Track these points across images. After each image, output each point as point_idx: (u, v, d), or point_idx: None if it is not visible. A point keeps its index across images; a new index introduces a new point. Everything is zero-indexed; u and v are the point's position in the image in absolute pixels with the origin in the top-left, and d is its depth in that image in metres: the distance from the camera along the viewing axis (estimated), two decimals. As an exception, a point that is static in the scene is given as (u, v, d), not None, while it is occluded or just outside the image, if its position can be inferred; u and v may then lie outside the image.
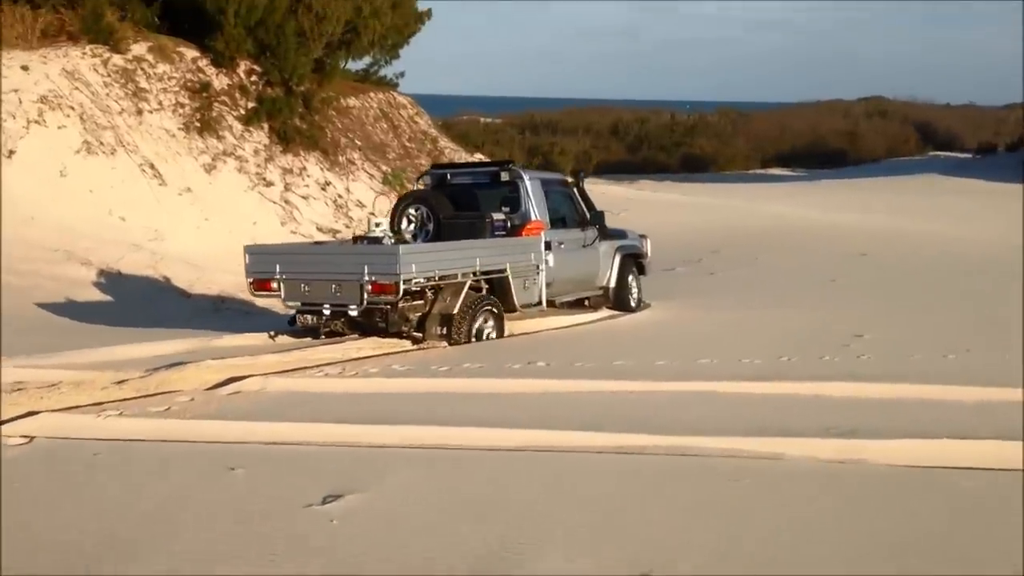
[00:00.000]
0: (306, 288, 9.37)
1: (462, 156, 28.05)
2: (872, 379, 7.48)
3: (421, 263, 9.04)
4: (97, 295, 15.00)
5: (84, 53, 20.34)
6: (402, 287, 8.77)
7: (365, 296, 8.85)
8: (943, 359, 8.27)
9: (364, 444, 5.51)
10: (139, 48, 21.18)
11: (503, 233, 10.56)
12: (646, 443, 5.74)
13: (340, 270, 9.14)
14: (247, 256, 9.74)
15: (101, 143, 19.18)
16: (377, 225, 9.91)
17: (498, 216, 10.57)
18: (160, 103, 20.68)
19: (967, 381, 7.24)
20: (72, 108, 19.25)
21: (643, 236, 12.93)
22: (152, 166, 19.60)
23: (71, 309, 12.36)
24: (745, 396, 7.06)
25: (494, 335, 9.90)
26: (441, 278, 9.35)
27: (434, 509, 4.50)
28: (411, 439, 5.61)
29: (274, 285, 9.47)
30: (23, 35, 20.05)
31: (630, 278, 12.18)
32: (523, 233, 10.62)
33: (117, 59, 20.65)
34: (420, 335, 9.43)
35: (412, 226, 10.76)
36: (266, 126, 21.62)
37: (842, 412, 6.66)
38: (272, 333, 9.90)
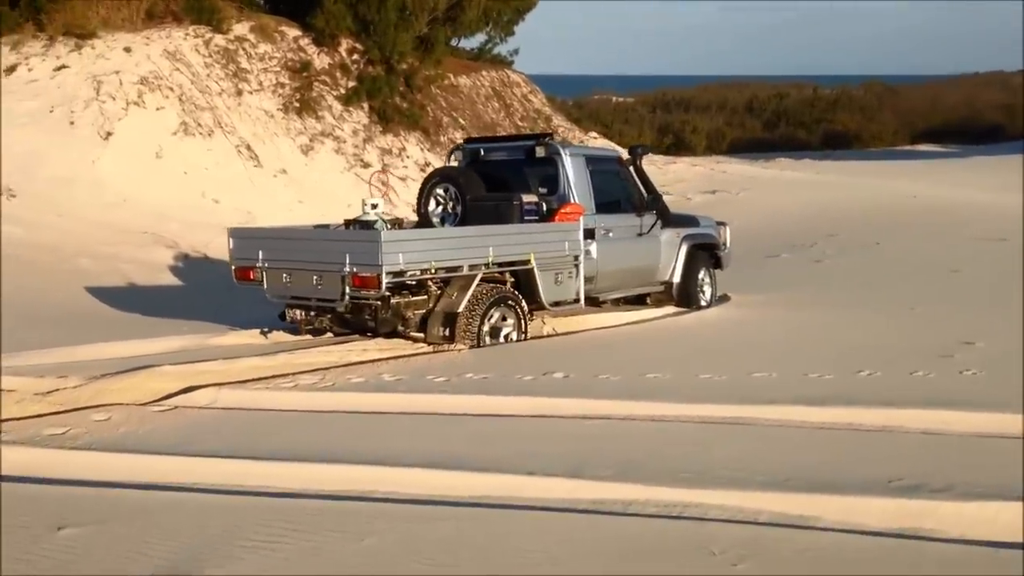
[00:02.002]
0: (288, 279, 8.13)
1: (576, 135, 26.61)
2: (967, 406, 5.78)
3: (412, 253, 7.66)
4: (170, 280, 14.41)
5: (187, 34, 19.95)
6: (385, 280, 7.40)
7: (347, 289, 7.59)
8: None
9: (264, 490, 4.33)
10: (241, 28, 20.66)
11: (535, 218, 9.05)
12: (630, 496, 4.35)
13: (321, 259, 7.83)
14: (231, 240, 8.62)
15: (199, 124, 18.73)
16: (374, 207, 8.63)
17: (529, 198, 9.03)
18: (260, 83, 20.12)
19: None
20: (171, 89, 18.86)
21: (721, 223, 11.18)
22: (248, 147, 19.05)
23: (122, 296, 11.69)
24: (793, 426, 5.53)
25: (514, 336, 8.46)
26: (443, 270, 8.00)
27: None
28: (330, 483, 4.39)
29: (255, 274, 8.28)
30: (128, 17, 19.82)
31: (701, 273, 10.46)
32: (557, 218, 9.10)
33: (219, 39, 20.18)
34: (422, 336, 8.12)
35: (440, 208, 9.39)
36: (366, 105, 20.79)
37: (916, 454, 5.07)
38: (265, 330, 8.79)
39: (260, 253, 8.30)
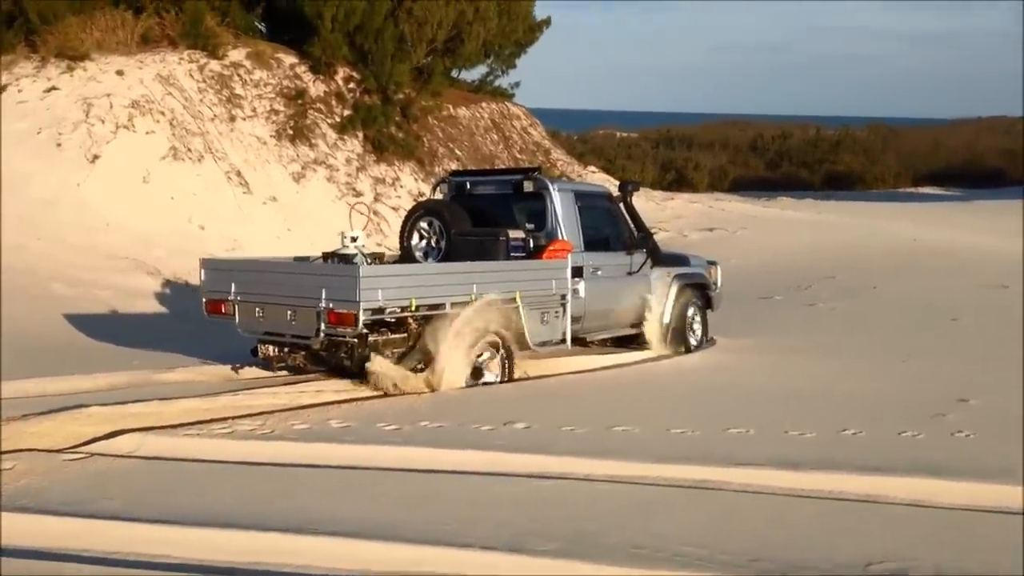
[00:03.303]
0: (260, 313, 7.66)
1: (574, 168, 26.21)
2: (959, 474, 5.23)
3: (391, 289, 7.19)
4: (150, 307, 13.92)
5: (181, 58, 19.60)
6: (362, 317, 6.94)
7: (322, 326, 7.11)
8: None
9: (159, 560, 3.79)
10: (237, 54, 20.31)
11: (522, 255, 8.60)
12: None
13: (296, 293, 7.36)
14: (202, 271, 8.16)
15: (189, 149, 18.33)
16: (353, 239, 8.17)
17: (516, 234, 8.61)
18: (254, 110, 19.73)
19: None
20: (163, 113, 18.48)
21: (712, 263, 10.69)
22: (239, 173, 18.63)
23: (94, 324, 11.20)
24: (766, 492, 4.99)
25: (497, 377, 7.95)
26: (425, 308, 7.51)
27: None
28: (237, 552, 3.85)
29: (227, 308, 7.80)
30: (123, 40, 19.49)
31: (690, 312, 9.99)
32: (545, 255, 8.63)
33: (214, 64, 19.82)
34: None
35: (424, 242, 8.94)
36: (361, 134, 20.39)
37: (900, 530, 4.52)
38: (236, 366, 8.30)
39: (232, 285, 7.85)
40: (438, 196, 9.74)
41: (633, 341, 9.73)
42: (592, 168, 27.82)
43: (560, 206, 8.87)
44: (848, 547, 4.26)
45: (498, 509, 4.55)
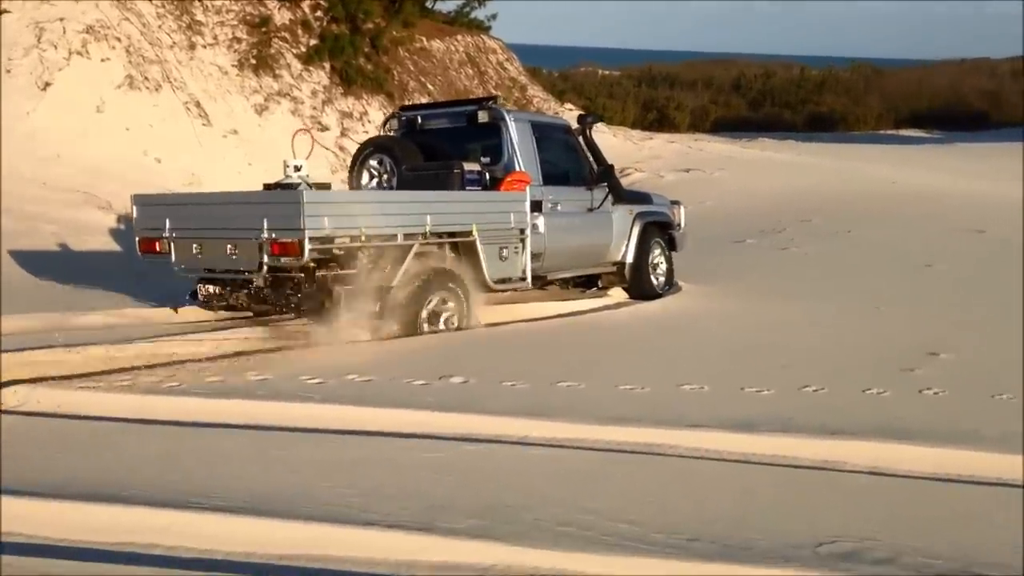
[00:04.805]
0: (198, 250, 7.09)
1: (551, 106, 25.46)
2: (923, 439, 4.77)
3: (339, 216, 6.63)
4: (103, 244, 13.29)
5: (140, -18, 18.64)
6: (308, 246, 6.38)
7: (265, 259, 6.54)
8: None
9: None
10: (198, -22, 19.37)
11: (478, 188, 8.03)
12: (487, 558, 3.33)
13: (236, 225, 6.76)
14: (134, 208, 7.55)
15: (146, 78, 17.48)
16: (296, 169, 7.56)
17: (471, 167, 8.03)
18: (215, 37, 18.86)
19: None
20: (119, 40, 17.58)
21: (676, 202, 10.13)
22: (198, 104, 17.83)
23: (43, 261, 10.58)
24: (715, 458, 4.51)
25: (455, 322, 7.45)
26: (374, 238, 6.94)
27: None
28: (96, 531, 3.32)
29: (161, 246, 7.24)
30: (79, -38, 18.46)
31: (655, 253, 9.44)
32: (503, 188, 8.06)
33: (174, -11, 18.89)
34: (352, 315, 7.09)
35: (375, 181, 8.37)
36: (327, 66, 19.57)
37: (858, 503, 4.06)
38: (175, 307, 7.75)
39: (167, 221, 7.25)
40: (389, 133, 9.11)
41: (594, 284, 9.23)
42: (569, 106, 27.09)
43: (517, 137, 8.30)
44: (799, 524, 3.79)
45: (413, 478, 4.05)
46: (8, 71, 16.26)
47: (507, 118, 8.32)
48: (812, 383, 5.77)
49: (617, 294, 9.25)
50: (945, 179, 22.44)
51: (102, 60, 17.20)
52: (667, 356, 6.55)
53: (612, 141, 25.67)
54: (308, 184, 7.46)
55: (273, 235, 6.45)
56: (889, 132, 44.30)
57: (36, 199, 14.02)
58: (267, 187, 7.90)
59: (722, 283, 9.98)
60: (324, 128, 18.81)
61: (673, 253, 9.74)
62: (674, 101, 43.28)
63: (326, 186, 8.39)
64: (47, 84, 16.36)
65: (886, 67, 57.03)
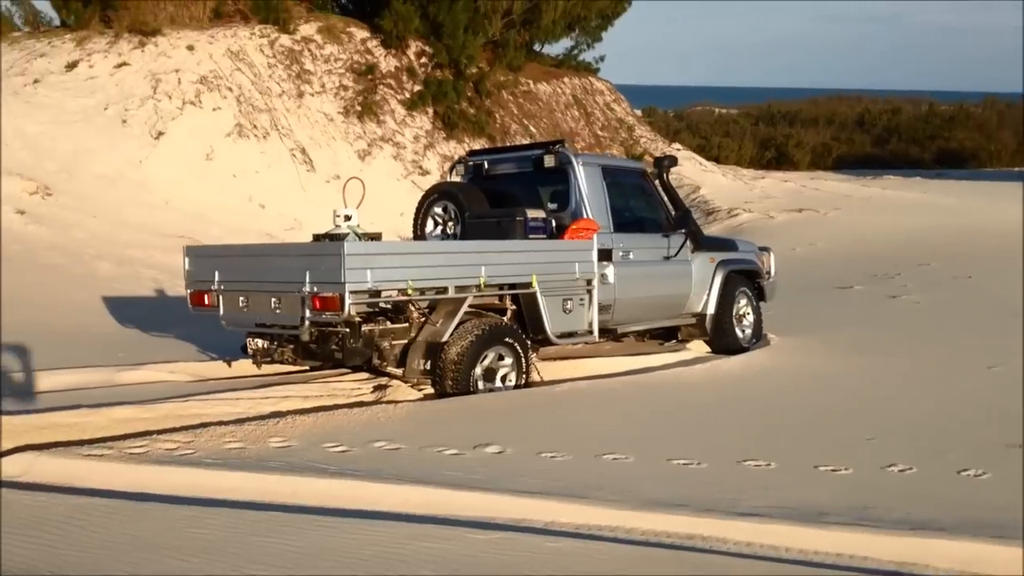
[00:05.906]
0: (244, 303, 6.77)
1: (659, 146, 24.76)
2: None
3: (384, 270, 6.21)
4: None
5: (252, 33, 19.06)
6: (348, 300, 5.99)
7: (307, 313, 6.18)
8: None
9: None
10: (308, 28, 19.67)
11: (542, 236, 7.51)
12: None
13: (280, 278, 6.43)
14: (185, 259, 7.31)
15: (254, 126, 17.77)
16: (347, 218, 7.18)
17: (535, 213, 7.51)
18: (323, 85, 19.06)
19: None
20: (230, 89, 17.97)
21: (764, 249, 9.34)
22: (303, 151, 17.99)
23: (132, 308, 10.62)
24: (763, 559, 3.81)
25: (512, 379, 6.88)
26: (423, 292, 6.49)
27: None
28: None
29: (209, 299, 6.95)
30: (195, 15, 19.04)
31: (741, 304, 8.70)
32: (567, 236, 7.51)
33: (285, 39, 19.22)
34: (401, 372, 6.67)
35: (439, 228, 7.96)
36: (431, 111, 19.50)
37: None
38: (227, 361, 7.47)
39: (216, 273, 6.99)
40: (455, 179, 8.70)
41: (674, 336, 8.54)
42: (677, 146, 26.30)
43: (585, 182, 7.73)
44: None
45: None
46: (124, 121, 16.74)
47: (574, 162, 7.79)
48: (900, 461, 4.97)
49: (698, 347, 8.54)
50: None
51: (214, 109, 17.57)
52: (736, 423, 5.82)
53: (721, 181, 24.76)
54: (357, 234, 7.09)
55: (315, 289, 6.10)
56: (1026, 169, 41.55)
57: (139, 244, 14.22)
58: (316, 237, 7.58)
59: (818, 335, 9.10)
60: (425, 172, 18.69)
61: (762, 304, 8.95)
62: (793, 139, 41.82)
63: (377, 236, 8.02)
64: (160, 133, 16.78)
65: (1019, 102, 53.80)
